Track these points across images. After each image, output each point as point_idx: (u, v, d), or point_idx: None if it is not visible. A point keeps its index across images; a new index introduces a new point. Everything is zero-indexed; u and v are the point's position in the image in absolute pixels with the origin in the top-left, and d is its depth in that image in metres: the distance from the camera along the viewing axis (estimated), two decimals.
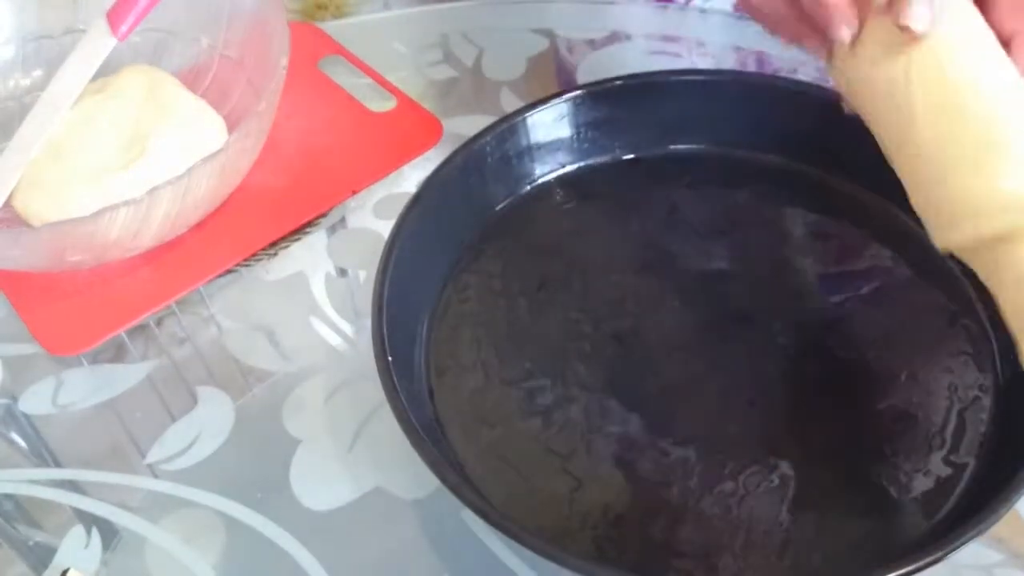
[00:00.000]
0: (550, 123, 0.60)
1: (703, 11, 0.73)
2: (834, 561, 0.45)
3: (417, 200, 0.55)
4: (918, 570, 0.41)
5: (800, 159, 0.59)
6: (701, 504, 0.47)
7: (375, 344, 0.49)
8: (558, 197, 0.60)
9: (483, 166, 0.59)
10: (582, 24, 0.73)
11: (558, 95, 0.60)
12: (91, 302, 0.57)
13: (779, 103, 0.59)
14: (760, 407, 0.51)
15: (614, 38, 0.72)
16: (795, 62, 0.68)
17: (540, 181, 0.61)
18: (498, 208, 0.60)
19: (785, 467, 0.48)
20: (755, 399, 0.51)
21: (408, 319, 0.53)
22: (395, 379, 0.48)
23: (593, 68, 0.70)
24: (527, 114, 0.59)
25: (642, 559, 0.46)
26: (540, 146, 0.60)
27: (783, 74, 0.68)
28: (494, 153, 0.59)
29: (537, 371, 0.53)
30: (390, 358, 0.49)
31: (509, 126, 0.59)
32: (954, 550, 0.41)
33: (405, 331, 0.53)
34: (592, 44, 0.72)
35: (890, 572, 0.41)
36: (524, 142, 0.60)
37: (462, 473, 0.48)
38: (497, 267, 0.58)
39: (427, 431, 0.47)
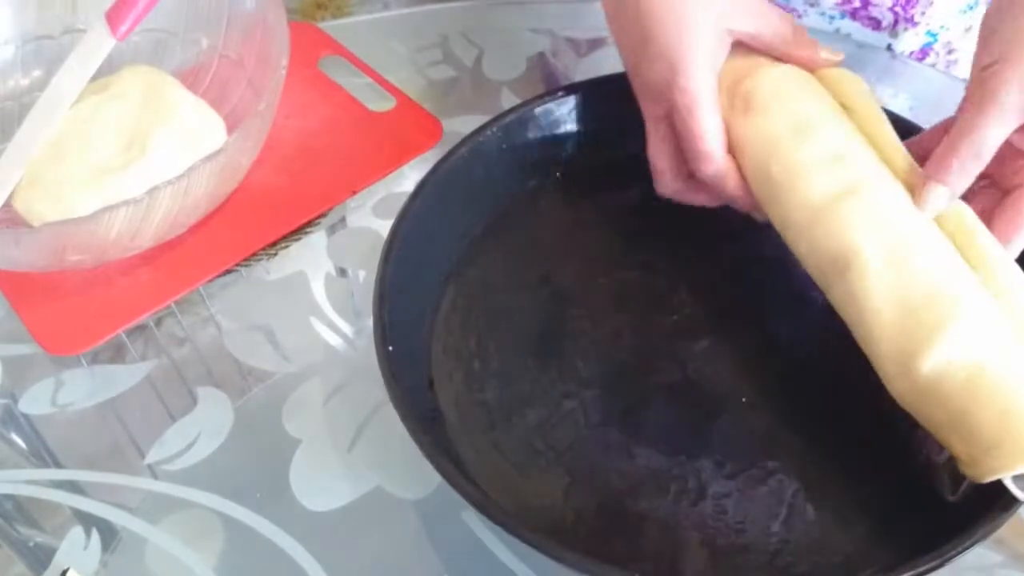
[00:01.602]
0: (555, 118, 0.60)
1: None
2: (834, 563, 0.45)
3: (422, 188, 0.55)
4: (921, 574, 0.41)
5: None
6: (699, 503, 0.47)
7: (375, 330, 0.49)
8: (562, 193, 0.60)
9: (487, 159, 0.58)
10: (582, 24, 0.73)
11: (563, 89, 0.60)
12: (91, 302, 0.57)
13: None
14: (760, 407, 0.50)
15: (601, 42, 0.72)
16: None
17: (544, 176, 0.60)
18: (501, 202, 0.59)
19: (784, 468, 0.48)
20: (755, 399, 0.51)
21: (410, 309, 0.53)
22: (394, 369, 0.48)
23: (584, 68, 0.70)
24: (532, 107, 0.59)
25: (637, 557, 0.46)
26: (545, 140, 0.60)
27: None
28: (499, 145, 0.58)
29: (536, 367, 0.53)
30: (390, 347, 0.49)
31: (515, 118, 0.59)
32: (957, 555, 0.41)
33: (406, 321, 0.52)
34: (577, 47, 0.72)
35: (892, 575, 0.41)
36: (529, 136, 0.59)
37: (460, 466, 0.48)
38: (499, 262, 0.57)
39: (426, 423, 0.47)
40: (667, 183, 0.55)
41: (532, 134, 0.59)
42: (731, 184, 0.53)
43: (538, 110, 0.59)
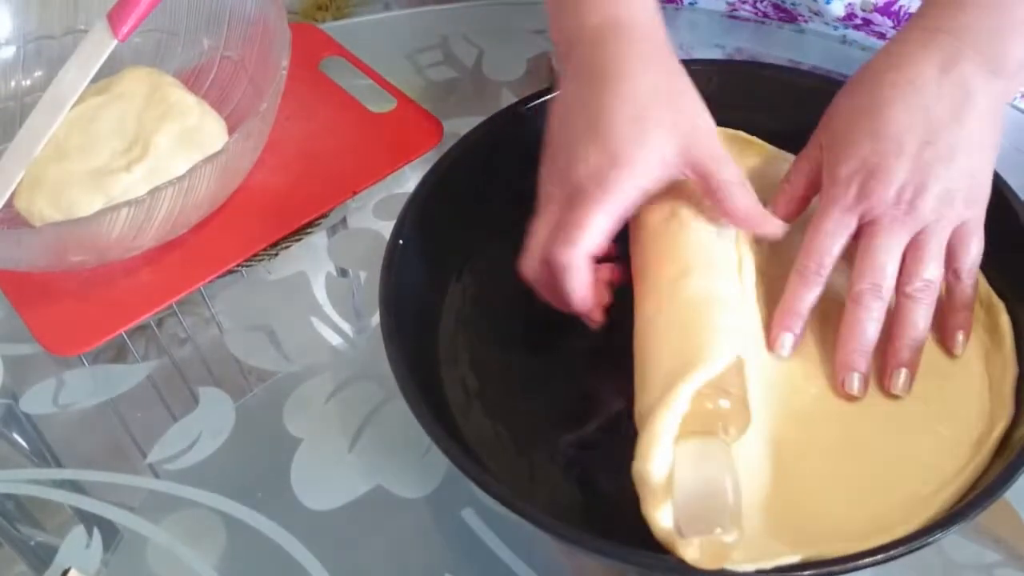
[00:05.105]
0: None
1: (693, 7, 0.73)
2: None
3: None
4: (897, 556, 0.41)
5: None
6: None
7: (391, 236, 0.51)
8: None
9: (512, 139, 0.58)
10: None
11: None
12: (92, 302, 0.57)
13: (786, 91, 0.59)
14: None
15: None
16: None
17: None
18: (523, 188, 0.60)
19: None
20: None
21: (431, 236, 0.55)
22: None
23: None
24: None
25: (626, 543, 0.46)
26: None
27: None
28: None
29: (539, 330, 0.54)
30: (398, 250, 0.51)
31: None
32: (932, 542, 0.41)
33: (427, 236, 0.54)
34: None
35: (870, 556, 0.41)
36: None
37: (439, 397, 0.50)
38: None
39: (417, 364, 0.49)
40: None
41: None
42: (577, 290, 0.48)
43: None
